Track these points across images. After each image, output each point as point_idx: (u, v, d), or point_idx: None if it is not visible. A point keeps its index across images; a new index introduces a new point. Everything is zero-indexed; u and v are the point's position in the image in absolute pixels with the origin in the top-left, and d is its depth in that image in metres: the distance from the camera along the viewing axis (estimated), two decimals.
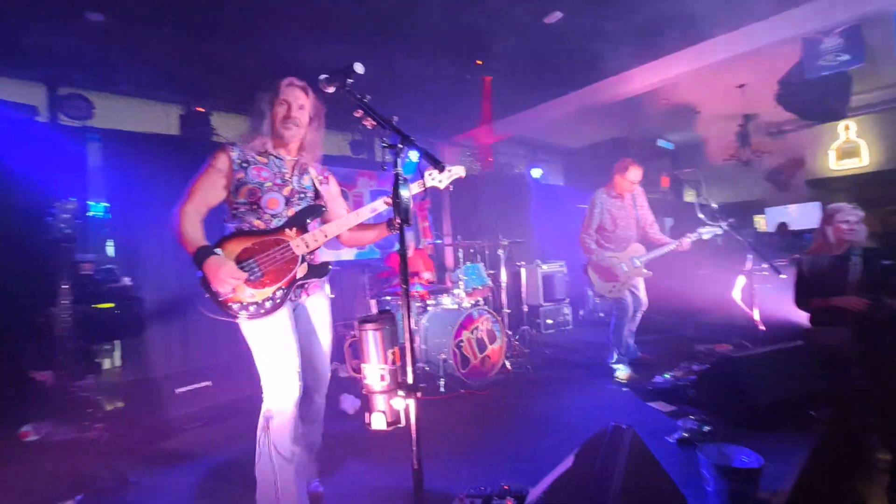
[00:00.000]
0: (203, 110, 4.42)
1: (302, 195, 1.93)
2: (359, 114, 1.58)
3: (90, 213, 3.87)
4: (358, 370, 1.43)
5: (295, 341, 1.82)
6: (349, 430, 3.00)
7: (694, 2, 3.60)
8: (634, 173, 3.79)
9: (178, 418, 3.10)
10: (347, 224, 1.90)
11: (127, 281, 3.47)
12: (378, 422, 1.34)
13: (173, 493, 2.31)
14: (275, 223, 1.85)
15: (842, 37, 3.77)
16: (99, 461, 2.42)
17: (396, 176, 1.46)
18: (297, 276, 1.82)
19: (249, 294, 1.74)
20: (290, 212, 1.88)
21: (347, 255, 5.60)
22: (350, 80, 1.58)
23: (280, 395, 1.74)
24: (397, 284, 4.57)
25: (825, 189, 7.10)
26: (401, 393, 1.35)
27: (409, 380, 1.34)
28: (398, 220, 1.46)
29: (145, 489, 2.37)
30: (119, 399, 3.34)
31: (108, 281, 3.36)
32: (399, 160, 1.49)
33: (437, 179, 1.84)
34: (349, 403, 3.38)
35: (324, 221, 2.01)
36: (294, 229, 1.85)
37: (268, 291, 1.76)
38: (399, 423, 1.35)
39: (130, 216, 3.94)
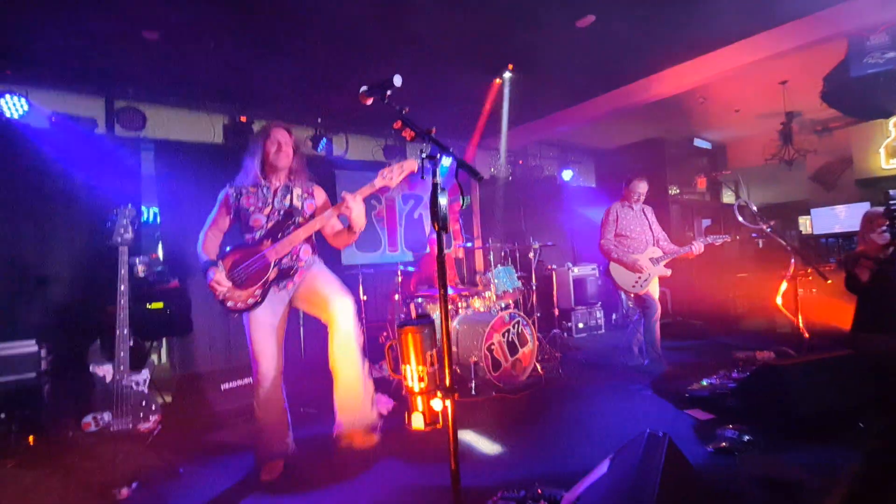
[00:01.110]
0: (245, 120, 4.62)
1: (280, 212, 2.42)
2: (398, 125, 1.64)
3: (143, 218, 4.11)
4: (397, 371, 1.49)
5: (272, 335, 2.39)
6: (383, 430, 3.07)
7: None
8: (636, 185, 4.09)
9: (223, 413, 3.25)
10: (305, 233, 2.37)
11: (175, 282, 3.66)
12: (417, 422, 1.39)
13: (220, 484, 2.43)
14: (258, 236, 2.38)
15: (888, 34, 3.62)
16: (151, 452, 2.58)
17: (435, 185, 1.50)
18: (271, 279, 2.34)
19: (237, 294, 2.32)
20: (270, 225, 2.39)
21: (379, 258, 5.72)
22: (389, 93, 1.64)
23: (258, 370, 2.39)
24: (431, 287, 4.63)
25: (875, 189, 6.73)
26: (439, 394, 1.39)
27: (447, 382, 1.39)
28: (436, 227, 1.50)
29: (194, 480, 2.50)
30: (167, 394, 3.54)
31: (158, 282, 3.56)
32: (437, 170, 1.54)
33: (389, 178, 2.23)
34: (382, 404, 3.45)
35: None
36: (269, 241, 2.36)
37: (250, 291, 2.32)
38: (437, 423, 1.40)
39: (178, 221, 4.16)
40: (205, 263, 2.35)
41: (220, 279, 2.29)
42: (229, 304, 2.33)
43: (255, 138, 2.50)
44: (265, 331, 2.38)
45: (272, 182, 2.47)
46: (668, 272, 4.04)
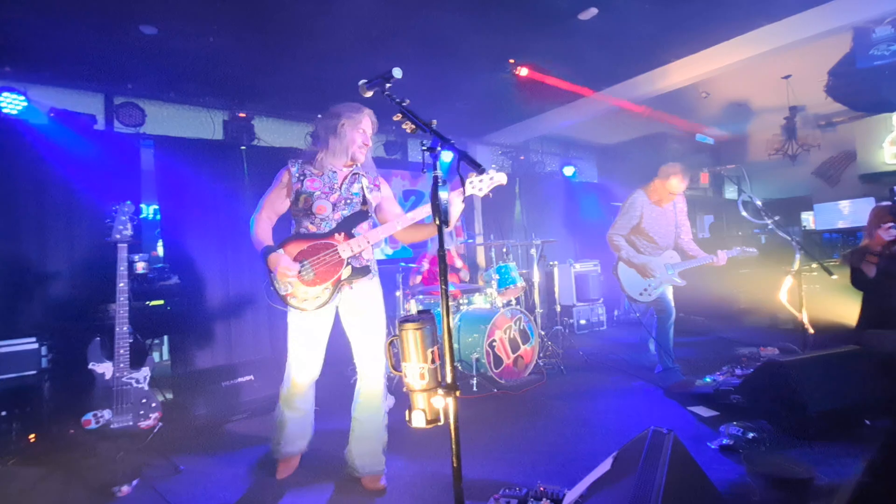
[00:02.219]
0: (244, 115, 4.59)
1: (348, 201, 2.20)
2: (398, 118, 1.61)
3: (143, 215, 4.09)
4: (398, 368, 1.47)
5: (319, 341, 2.20)
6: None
7: None
8: (675, 184, 3.56)
9: (224, 410, 3.24)
10: (387, 232, 2.15)
11: (176, 280, 3.65)
12: (418, 420, 1.37)
13: (220, 481, 2.43)
14: (324, 226, 2.15)
15: (894, 26, 3.58)
16: (152, 449, 2.57)
17: (436, 178, 1.47)
18: (343, 277, 2.11)
19: (303, 291, 2.08)
20: (337, 215, 2.17)
21: (379, 253, 5.69)
22: (389, 85, 1.62)
23: (293, 373, 2.21)
24: (430, 283, 4.61)
25: (879, 184, 6.68)
26: (440, 392, 1.37)
27: (449, 379, 1.36)
28: (437, 221, 1.48)
29: (194, 477, 2.49)
30: (168, 391, 3.53)
31: (159, 280, 3.55)
32: (438, 163, 1.51)
33: (478, 188, 1.91)
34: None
35: (381, 221, 2.31)
36: (342, 234, 2.13)
37: (318, 290, 2.09)
38: (438, 421, 1.38)
39: (178, 217, 4.14)
40: (265, 249, 2.08)
41: (289, 265, 2.03)
42: (293, 301, 2.08)
43: (334, 115, 2.19)
44: (313, 337, 2.18)
45: (339, 168, 2.22)
46: (682, 283, 3.68)
